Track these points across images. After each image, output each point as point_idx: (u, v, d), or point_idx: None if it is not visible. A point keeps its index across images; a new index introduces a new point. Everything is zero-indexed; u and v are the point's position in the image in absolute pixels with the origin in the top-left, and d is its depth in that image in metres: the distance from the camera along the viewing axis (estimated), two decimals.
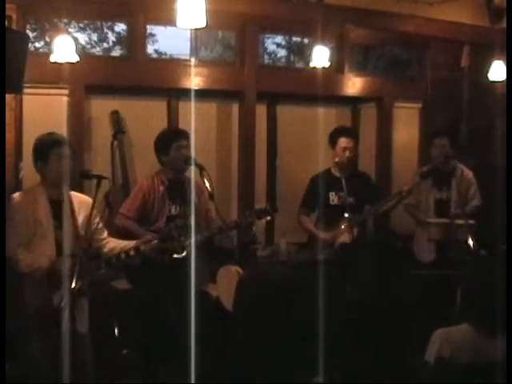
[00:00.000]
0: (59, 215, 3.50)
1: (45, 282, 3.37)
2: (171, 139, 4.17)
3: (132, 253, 3.57)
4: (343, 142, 4.75)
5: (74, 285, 3.16)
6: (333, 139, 4.80)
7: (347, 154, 4.73)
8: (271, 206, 4.23)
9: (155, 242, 3.67)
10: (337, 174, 4.78)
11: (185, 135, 4.17)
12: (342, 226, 4.61)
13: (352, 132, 4.86)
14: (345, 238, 4.58)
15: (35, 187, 3.57)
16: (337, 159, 4.73)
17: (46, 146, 3.50)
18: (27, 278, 3.41)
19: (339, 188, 4.66)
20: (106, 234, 3.75)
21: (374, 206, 4.81)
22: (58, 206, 3.51)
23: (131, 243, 3.66)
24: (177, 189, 4.18)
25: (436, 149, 5.06)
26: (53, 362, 3.08)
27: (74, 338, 3.28)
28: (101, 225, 3.71)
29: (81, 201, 3.61)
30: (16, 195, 3.55)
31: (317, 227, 4.82)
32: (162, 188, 4.16)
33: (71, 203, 3.55)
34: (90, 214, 3.39)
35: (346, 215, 4.55)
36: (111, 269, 3.65)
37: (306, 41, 6.09)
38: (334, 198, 4.78)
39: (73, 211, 3.54)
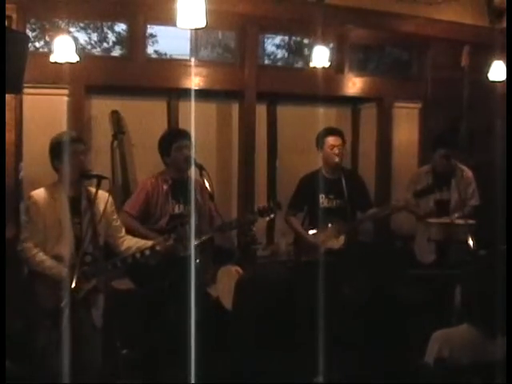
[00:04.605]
0: (78, 212, 3.50)
1: (61, 281, 3.33)
2: (171, 140, 4.20)
3: (148, 253, 3.56)
4: (331, 139, 4.72)
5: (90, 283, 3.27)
6: (320, 140, 4.78)
7: (336, 151, 4.69)
8: (274, 204, 4.23)
9: (171, 242, 3.66)
10: (327, 175, 4.78)
11: (185, 135, 4.18)
12: (332, 230, 4.62)
13: (338, 131, 4.84)
14: (334, 241, 4.59)
15: (53, 185, 3.55)
16: (326, 159, 4.72)
17: (61, 144, 3.49)
18: (42, 276, 3.39)
19: (329, 190, 4.65)
20: (123, 231, 3.75)
21: (366, 215, 4.81)
22: (76, 203, 3.51)
23: (148, 243, 3.66)
24: (180, 188, 4.19)
25: (438, 158, 5.07)
26: (65, 359, 3.08)
27: (85, 335, 3.36)
28: (118, 222, 3.72)
29: (98, 196, 3.53)
30: (35, 193, 3.51)
31: (304, 227, 4.80)
32: (165, 187, 4.18)
33: (89, 199, 3.53)
34: (104, 210, 3.41)
35: (336, 219, 4.59)
36: (126, 267, 3.64)
37: (306, 41, 6.09)
38: (323, 200, 4.74)
39: (91, 207, 3.51)
